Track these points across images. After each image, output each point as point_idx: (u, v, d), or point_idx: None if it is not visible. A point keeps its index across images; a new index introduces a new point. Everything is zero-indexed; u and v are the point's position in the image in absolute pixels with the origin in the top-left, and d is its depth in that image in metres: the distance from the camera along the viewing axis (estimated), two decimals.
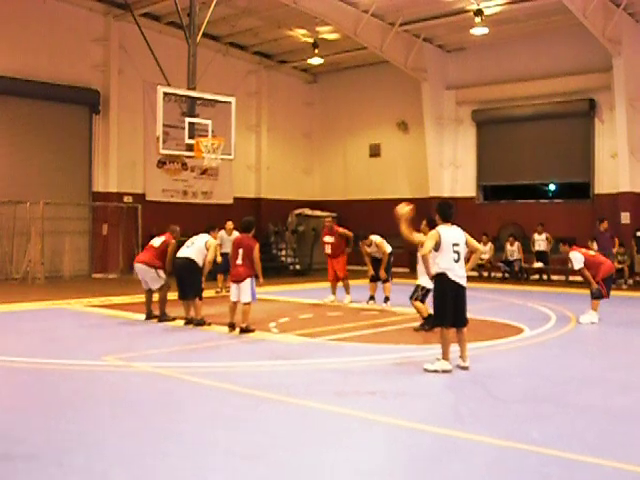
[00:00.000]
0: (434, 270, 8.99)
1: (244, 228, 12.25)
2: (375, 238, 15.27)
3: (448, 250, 8.85)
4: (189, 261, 12.59)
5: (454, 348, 8.96)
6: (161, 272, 13.04)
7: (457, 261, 8.89)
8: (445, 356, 8.86)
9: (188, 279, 12.59)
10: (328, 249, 16.35)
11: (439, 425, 6.51)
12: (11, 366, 9.17)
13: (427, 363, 8.94)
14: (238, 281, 11.79)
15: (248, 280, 11.77)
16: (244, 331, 11.73)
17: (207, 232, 13.07)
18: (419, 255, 11.88)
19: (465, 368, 8.93)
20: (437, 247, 8.88)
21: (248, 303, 11.77)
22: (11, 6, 21.36)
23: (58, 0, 22.46)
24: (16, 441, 5.99)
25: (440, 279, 8.94)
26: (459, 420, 6.79)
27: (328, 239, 16.35)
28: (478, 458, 5.72)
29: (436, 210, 9.29)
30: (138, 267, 13.22)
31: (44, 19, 22.22)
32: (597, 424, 6.68)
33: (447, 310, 8.89)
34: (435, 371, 8.75)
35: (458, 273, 8.90)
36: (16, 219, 21.36)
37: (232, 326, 11.90)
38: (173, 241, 13.15)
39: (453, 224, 9.14)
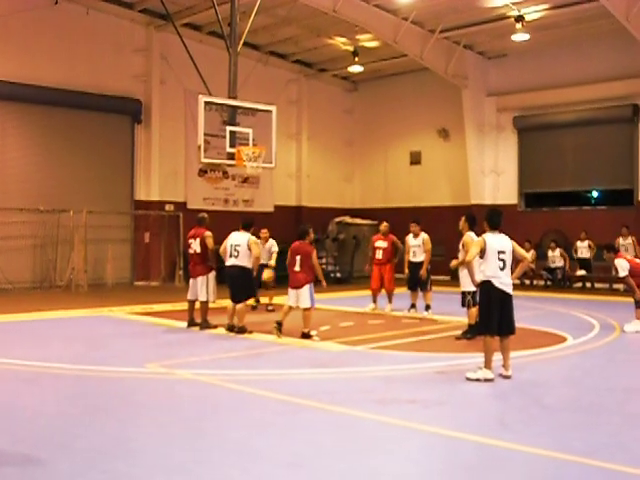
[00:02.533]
0: (479, 277, 8.96)
1: (300, 235, 12.33)
2: (423, 234, 15.20)
3: (493, 257, 8.79)
4: (240, 268, 12.60)
5: (497, 357, 8.90)
6: (211, 276, 13.17)
7: (503, 269, 8.83)
8: (488, 365, 8.79)
9: (241, 283, 12.62)
10: (379, 254, 16.20)
11: (480, 434, 6.45)
12: (55, 372, 9.29)
13: (469, 372, 8.89)
14: (297, 287, 11.93)
15: (307, 286, 11.92)
16: (305, 336, 11.87)
17: (245, 229, 12.88)
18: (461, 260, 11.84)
19: (507, 377, 8.86)
20: (482, 254, 8.85)
21: (308, 308, 11.94)
22: (54, 18, 21.68)
23: (100, 12, 22.75)
24: (60, 446, 6.07)
25: (485, 287, 8.89)
26: (500, 429, 6.73)
27: (381, 244, 16.21)
28: (518, 467, 5.67)
29: (485, 217, 9.25)
30: (196, 281, 13.27)
31: (87, 30, 22.53)
32: None
33: (492, 318, 8.83)
34: (477, 380, 8.69)
35: (504, 281, 8.84)
36: (60, 227, 21.65)
37: (279, 324, 12.01)
38: (207, 232, 13.12)
39: (500, 232, 9.10)
